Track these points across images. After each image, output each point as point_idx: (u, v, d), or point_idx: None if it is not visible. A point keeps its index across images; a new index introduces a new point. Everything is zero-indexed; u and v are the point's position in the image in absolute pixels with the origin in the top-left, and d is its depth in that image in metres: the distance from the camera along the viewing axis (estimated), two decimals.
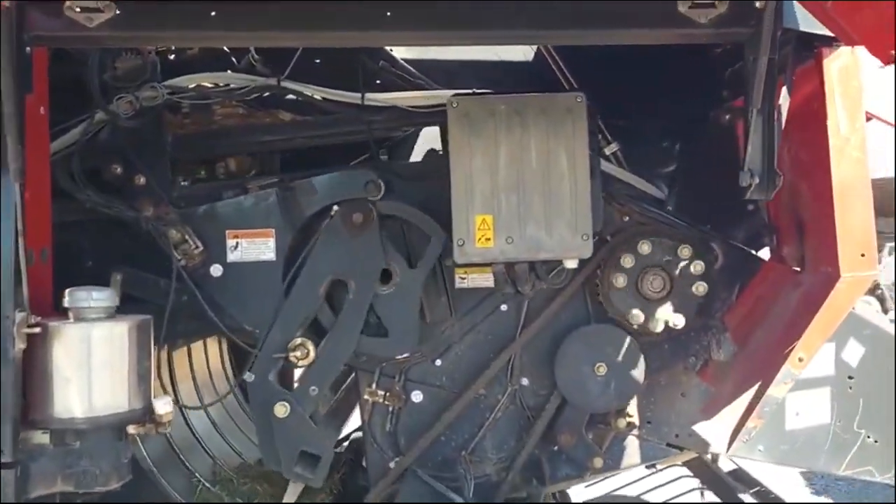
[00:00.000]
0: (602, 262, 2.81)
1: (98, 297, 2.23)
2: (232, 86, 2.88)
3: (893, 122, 2.75)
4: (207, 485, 3.34)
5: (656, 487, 3.81)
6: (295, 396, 2.75)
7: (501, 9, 2.16)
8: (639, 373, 2.79)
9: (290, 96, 2.94)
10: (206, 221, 2.78)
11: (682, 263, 2.75)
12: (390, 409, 2.89)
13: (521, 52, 3.26)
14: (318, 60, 2.98)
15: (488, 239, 2.56)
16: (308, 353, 2.73)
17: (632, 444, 2.96)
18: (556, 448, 2.90)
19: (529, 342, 2.88)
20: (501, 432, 2.92)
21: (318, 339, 2.76)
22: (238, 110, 3.00)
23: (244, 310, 2.78)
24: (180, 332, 2.85)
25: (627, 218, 2.86)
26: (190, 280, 2.72)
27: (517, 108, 2.55)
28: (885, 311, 3.22)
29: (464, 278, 2.88)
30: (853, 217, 2.32)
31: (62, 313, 2.24)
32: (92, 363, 2.17)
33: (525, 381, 2.90)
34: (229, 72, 2.90)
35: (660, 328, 2.73)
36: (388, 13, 2.11)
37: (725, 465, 3.87)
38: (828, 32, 2.19)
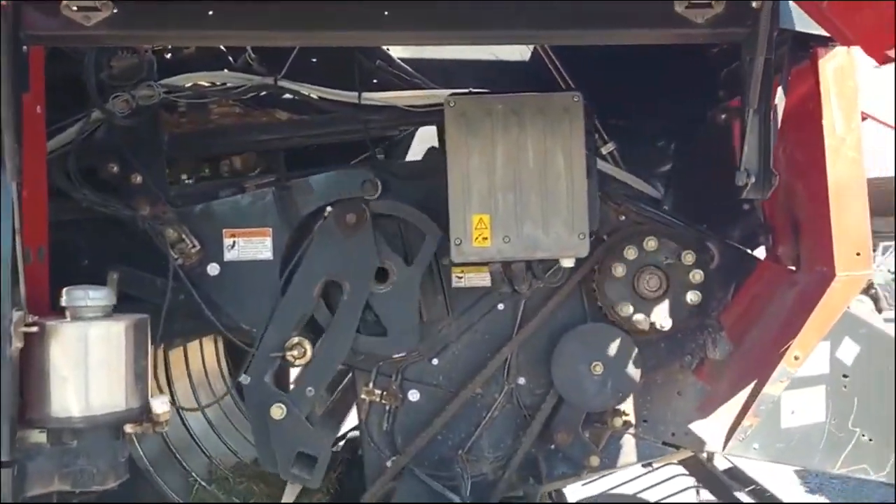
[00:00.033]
0: (598, 260, 2.81)
1: (95, 296, 2.23)
2: (228, 85, 2.87)
3: (888, 122, 2.76)
4: (204, 484, 3.34)
5: (652, 486, 3.82)
6: (291, 398, 2.75)
7: (499, 8, 2.16)
8: (635, 371, 2.79)
9: (287, 95, 2.94)
10: (203, 220, 2.77)
11: (679, 264, 2.76)
12: (387, 408, 2.89)
13: (518, 52, 3.26)
14: (314, 60, 2.98)
15: (485, 238, 2.56)
16: (305, 353, 2.73)
17: (628, 443, 2.97)
18: (552, 447, 2.90)
19: (526, 341, 2.88)
20: (498, 431, 2.92)
21: (316, 338, 2.76)
22: (234, 109, 3.01)
23: (241, 309, 2.78)
24: (177, 332, 2.86)
25: (624, 217, 2.87)
26: (187, 279, 2.72)
27: (514, 108, 2.55)
28: (880, 311, 3.23)
29: (460, 277, 2.88)
30: (848, 216, 2.33)
31: (59, 312, 2.24)
32: (89, 362, 2.16)
33: (522, 380, 2.91)
34: (226, 71, 2.89)
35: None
36: (386, 12, 2.11)
37: (721, 464, 3.88)
38: (823, 32, 2.20)
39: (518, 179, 2.55)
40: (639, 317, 2.76)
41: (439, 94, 2.72)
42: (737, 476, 3.76)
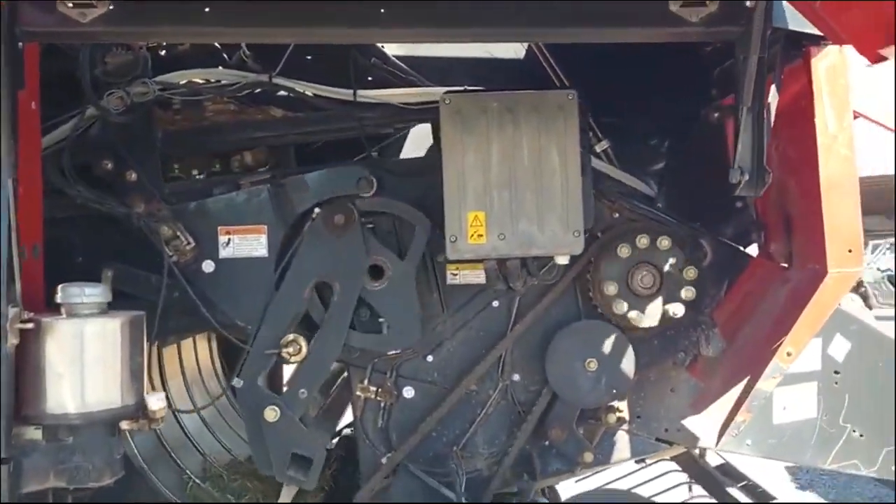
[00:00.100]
0: (593, 257, 2.82)
1: (91, 293, 2.23)
2: (223, 82, 2.87)
3: (881, 122, 2.78)
4: (198, 481, 3.34)
5: (645, 482, 3.84)
6: (284, 400, 2.76)
7: (495, 6, 2.18)
8: (629, 368, 2.81)
9: (282, 93, 2.94)
10: (198, 217, 2.77)
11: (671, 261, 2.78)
12: (382, 405, 2.90)
13: (513, 50, 3.27)
14: (309, 57, 2.98)
15: (480, 235, 2.57)
16: (300, 349, 2.74)
17: (622, 439, 2.99)
18: (546, 443, 2.92)
19: (521, 338, 2.89)
20: (493, 427, 2.93)
21: (311, 335, 2.77)
22: (229, 106, 3.00)
23: (236, 306, 2.78)
24: (172, 329, 2.85)
25: (618, 215, 2.89)
26: (182, 276, 2.72)
27: (509, 106, 2.57)
28: (870, 308, 3.26)
29: (455, 275, 2.89)
30: (840, 214, 2.34)
31: (54, 309, 2.23)
32: (85, 359, 2.16)
33: (516, 377, 2.92)
34: (220, 68, 2.89)
35: (653, 322, 2.74)
36: (383, 10, 2.11)
37: (713, 460, 3.91)
38: (816, 31, 2.22)
39: (513, 177, 2.56)
40: (633, 314, 2.77)
41: (434, 92, 2.73)
42: (729, 472, 3.79)
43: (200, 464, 3.49)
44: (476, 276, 2.87)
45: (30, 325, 2.08)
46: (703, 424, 2.77)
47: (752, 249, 3.05)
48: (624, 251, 2.77)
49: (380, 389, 2.87)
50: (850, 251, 2.34)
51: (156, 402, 2.28)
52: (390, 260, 2.77)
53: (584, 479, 3.41)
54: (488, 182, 2.56)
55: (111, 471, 2.23)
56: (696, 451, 3.68)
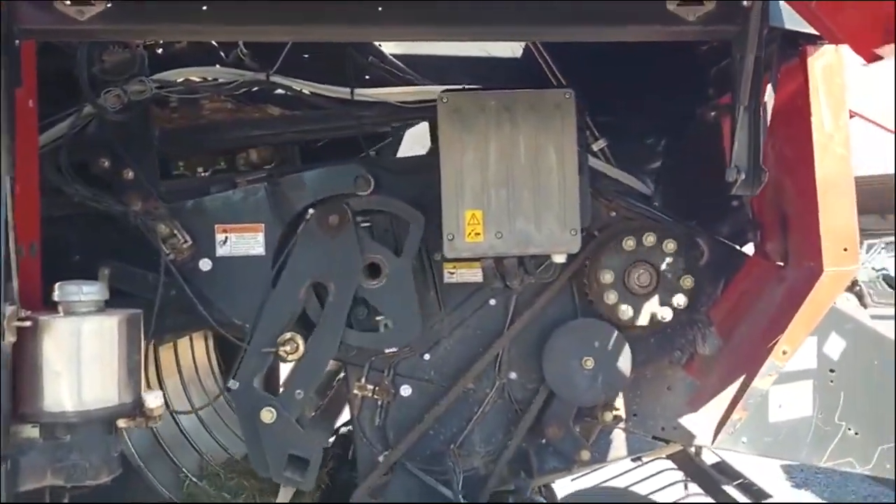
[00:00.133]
0: (590, 256, 2.83)
1: (88, 291, 2.23)
2: (220, 80, 2.86)
3: (877, 121, 2.79)
4: (194, 480, 3.34)
5: (642, 480, 3.85)
6: (280, 401, 2.76)
7: (492, 5, 2.18)
8: (625, 366, 2.82)
9: (280, 91, 2.94)
10: (195, 216, 2.77)
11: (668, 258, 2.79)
12: (379, 403, 2.90)
13: (510, 48, 3.27)
14: (306, 55, 2.98)
15: (478, 234, 2.58)
16: (297, 348, 2.74)
17: (618, 437, 2.99)
18: (543, 441, 2.92)
19: (517, 336, 2.90)
20: (489, 426, 2.94)
21: (308, 333, 2.77)
22: (227, 105, 3.00)
23: (233, 304, 2.78)
24: (169, 327, 2.84)
25: (615, 213, 2.89)
26: (179, 274, 2.71)
27: (507, 104, 2.57)
28: (865, 307, 3.27)
29: (452, 273, 2.90)
30: (836, 212, 2.35)
31: (51, 307, 2.23)
32: (82, 357, 2.16)
33: (513, 375, 2.93)
34: (218, 66, 2.89)
35: (668, 315, 2.75)
36: (380, 8, 2.12)
37: (709, 459, 3.92)
38: (813, 31, 2.23)
39: (510, 175, 2.57)
40: (629, 312, 2.78)
41: (432, 91, 2.73)
42: (725, 470, 3.80)
43: (197, 462, 3.49)
44: (473, 274, 2.88)
45: (27, 323, 2.08)
46: (700, 422, 2.79)
47: (749, 248, 3.07)
48: (629, 243, 2.77)
49: (377, 388, 2.88)
50: (845, 250, 2.35)
51: (153, 399, 2.28)
52: (387, 257, 2.78)
53: (580, 477, 3.42)
54: (486, 180, 2.57)
55: (108, 469, 2.23)
56: (692, 449, 3.69)
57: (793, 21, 2.23)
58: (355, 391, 2.89)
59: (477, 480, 2.90)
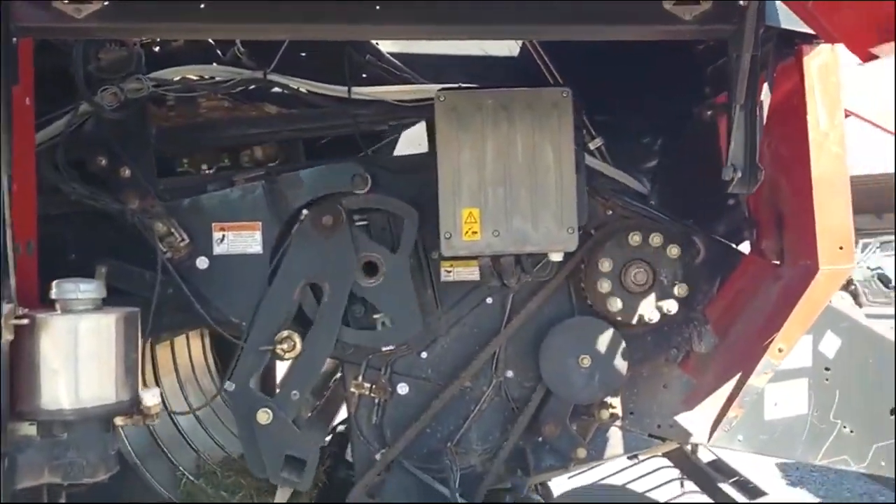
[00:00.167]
0: (586, 255, 2.84)
1: (85, 289, 2.23)
2: (217, 78, 2.86)
3: (872, 120, 2.80)
4: (191, 478, 3.34)
5: (638, 478, 3.86)
6: (276, 402, 2.76)
7: (489, 4, 2.18)
8: (622, 365, 2.82)
9: (276, 89, 2.94)
10: (192, 214, 2.77)
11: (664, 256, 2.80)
12: (376, 401, 2.90)
13: (507, 47, 3.28)
14: (303, 54, 2.98)
15: (475, 232, 2.58)
16: (295, 346, 2.74)
17: (615, 435, 3.00)
18: (540, 439, 2.93)
19: (514, 334, 2.90)
20: (486, 424, 2.94)
21: (306, 331, 2.77)
22: (223, 103, 3.00)
23: (230, 302, 2.78)
24: (166, 325, 2.84)
25: (611, 212, 2.90)
26: (176, 272, 2.71)
27: (504, 103, 2.57)
28: (860, 306, 3.28)
29: (449, 271, 2.90)
30: (832, 211, 2.36)
31: (48, 305, 2.23)
32: (79, 354, 2.16)
33: (510, 373, 2.93)
34: (215, 64, 2.88)
35: (655, 317, 2.76)
36: (378, 7, 2.12)
37: (705, 456, 3.93)
38: (808, 30, 2.24)
39: (508, 174, 2.57)
40: (626, 310, 2.78)
41: (429, 89, 2.73)
42: (720, 468, 3.81)
43: (194, 460, 3.50)
44: (470, 272, 2.88)
45: (24, 321, 2.08)
46: (696, 420, 2.79)
47: (745, 247, 3.08)
48: (617, 248, 2.78)
49: (374, 386, 2.88)
50: (841, 248, 2.36)
51: (150, 397, 2.28)
52: (383, 255, 2.78)
53: (577, 475, 3.43)
54: (483, 179, 2.57)
55: (105, 467, 2.23)
56: (688, 447, 3.70)
57: (789, 20, 2.24)
58: (352, 389, 2.89)
59: (474, 478, 2.90)
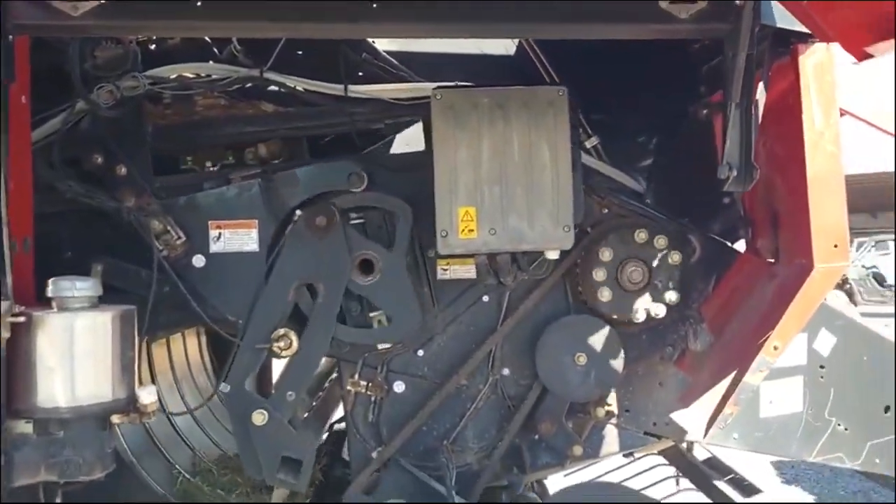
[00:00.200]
0: (582, 253, 2.84)
1: (82, 287, 2.22)
2: (214, 76, 2.86)
3: (867, 119, 2.81)
4: (187, 476, 3.34)
5: (634, 476, 3.87)
6: (272, 403, 2.76)
7: (486, 3, 2.18)
8: (618, 363, 2.83)
9: (273, 87, 2.94)
10: (189, 212, 2.77)
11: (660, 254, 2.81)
12: (373, 399, 2.91)
13: (503, 46, 3.28)
14: (300, 52, 2.98)
15: (471, 230, 2.58)
16: (291, 344, 2.74)
17: (610, 433, 3.01)
18: (536, 437, 2.94)
19: (511, 333, 2.91)
20: (483, 422, 2.95)
21: (302, 329, 2.77)
22: (220, 101, 2.99)
23: (227, 300, 2.78)
24: (162, 323, 2.84)
25: (607, 210, 2.91)
26: (172, 270, 2.71)
27: (500, 101, 2.58)
28: (855, 304, 3.30)
29: (446, 269, 2.90)
30: (827, 209, 2.37)
31: (44, 303, 2.23)
32: (75, 352, 2.15)
33: (506, 371, 2.94)
34: (211, 62, 2.88)
35: (640, 318, 2.77)
36: (374, 5, 2.12)
37: (700, 454, 3.94)
38: (804, 29, 2.25)
39: (504, 172, 2.58)
40: (618, 307, 2.79)
41: (425, 88, 2.74)
42: (716, 466, 3.82)
43: (190, 458, 3.50)
44: (466, 271, 2.89)
45: (21, 319, 2.08)
46: (691, 418, 2.80)
47: (740, 245, 3.09)
48: (613, 247, 2.78)
49: (370, 384, 2.88)
50: (836, 246, 2.37)
51: (147, 395, 2.28)
52: (379, 253, 2.78)
53: (573, 472, 3.43)
54: (479, 177, 2.57)
55: (102, 464, 2.22)
56: (684, 444, 3.71)
57: (784, 19, 2.25)
58: (349, 387, 2.90)
59: (470, 476, 2.91)
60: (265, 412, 2.72)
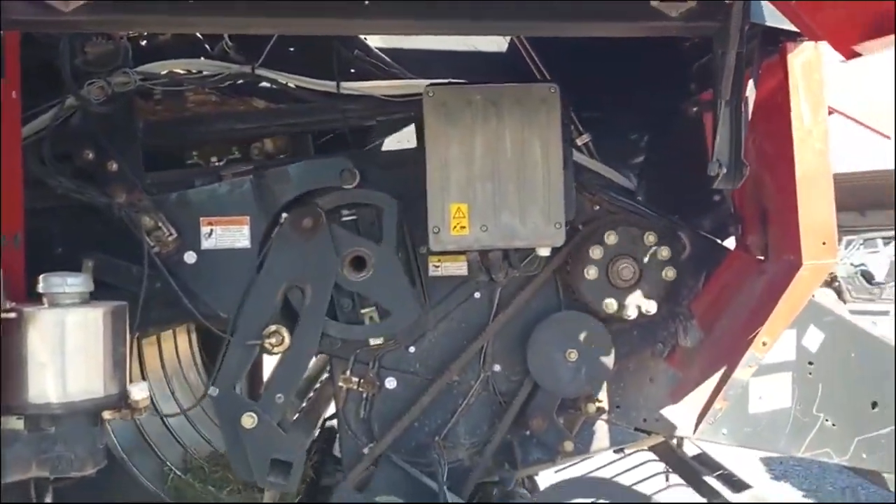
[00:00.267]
0: (573, 250, 2.86)
1: (73, 283, 2.22)
2: (205, 73, 2.85)
3: (855, 117, 2.84)
4: (178, 473, 3.34)
5: (624, 472, 3.89)
6: (261, 406, 2.76)
7: (477, 1, 2.19)
8: (608, 359, 2.84)
9: (265, 84, 2.94)
10: (180, 208, 2.76)
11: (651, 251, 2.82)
12: (364, 395, 2.91)
13: (495, 43, 3.29)
14: (292, 48, 2.98)
15: (463, 227, 2.59)
16: (283, 340, 2.74)
17: (601, 429, 3.03)
18: (527, 433, 2.94)
19: (502, 329, 2.92)
20: (474, 418, 2.96)
21: (293, 325, 2.78)
22: (211, 98, 2.99)
23: (218, 297, 2.77)
24: (154, 320, 2.83)
25: (598, 207, 2.92)
26: (163, 267, 2.71)
27: (492, 98, 2.58)
28: (844, 302, 3.33)
29: (437, 266, 2.91)
30: (815, 207, 2.39)
31: (35, 299, 2.22)
32: (66, 348, 2.15)
33: (497, 368, 2.95)
34: (202, 59, 2.88)
35: (632, 314, 2.79)
36: (367, 2, 2.12)
37: (690, 450, 3.97)
38: (793, 28, 2.27)
39: (496, 169, 2.58)
40: (612, 305, 2.81)
41: (418, 84, 2.74)
42: (705, 462, 3.85)
43: (181, 455, 3.49)
44: (458, 267, 2.89)
45: (12, 315, 2.07)
46: (681, 413, 2.83)
47: (730, 242, 3.11)
48: (604, 243, 2.80)
49: (362, 380, 2.89)
50: (824, 243, 2.39)
51: (138, 392, 2.28)
52: (369, 248, 2.79)
53: (564, 468, 3.45)
54: (471, 174, 2.58)
55: (93, 460, 2.22)
56: (674, 440, 3.74)
57: (773, 18, 2.27)
58: (340, 384, 2.90)
59: (461, 472, 2.92)
60: (254, 415, 2.71)
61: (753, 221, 2.76)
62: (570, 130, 2.84)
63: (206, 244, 2.77)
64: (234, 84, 2.90)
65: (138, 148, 2.78)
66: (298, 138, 2.99)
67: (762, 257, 2.70)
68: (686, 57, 2.88)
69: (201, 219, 2.77)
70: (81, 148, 2.68)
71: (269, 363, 3.01)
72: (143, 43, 2.88)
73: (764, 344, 2.47)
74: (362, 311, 2.83)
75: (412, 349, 2.93)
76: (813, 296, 2.76)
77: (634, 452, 3.84)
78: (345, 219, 2.82)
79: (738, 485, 3.56)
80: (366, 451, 2.90)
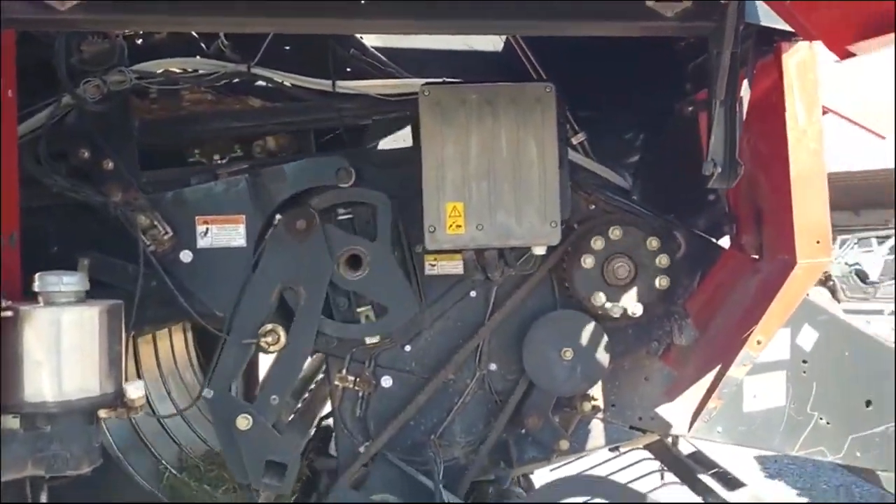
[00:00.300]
0: (569, 249, 2.86)
1: (68, 282, 2.22)
2: (201, 71, 2.86)
3: (849, 117, 2.84)
4: (174, 471, 3.34)
5: (619, 470, 3.90)
6: (256, 407, 2.76)
7: (473, 0, 2.20)
8: (604, 357, 2.85)
9: (260, 83, 2.94)
10: (176, 207, 2.76)
11: (647, 253, 2.83)
12: (360, 394, 2.92)
13: (491, 42, 3.29)
14: (287, 47, 2.98)
15: (459, 226, 2.60)
16: (279, 339, 2.74)
17: (596, 427, 3.03)
18: (523, 431, 2.95)
19: (498, 328, 2.92)
20: (470, 416, 2.96)
21: (289, 323, 2.78)
22: (207, 96, 2.99)
23: (214, 296, 2.77)
24: (149, 318, 2.83)
25: (594, 206, 2.93)
26: (159, 266, 2.71)
27: (488, 98, 2.59)
28: (838, 301, 3.35)
29: (433, 265, 2.91)
30: (809, 206, 2.40)
31: (31, 298, 2.22)
32: (62, 347, 2.16)
33: (493, 366, 2.95)
34: (198, 57, 2.88)
35: (616, 314, 2.80)
36: (363, 1, 2.13)
37: (685, 449, 3.98)
38: (787, 28, 2.27)
39: (491, 168, 2.59)
40: (608, 304, 2.81)
41: (413, 83, 2.75)
42: (700, 460, 3.85)
43: (177, 454, 3.49)
44: (454, 266, 2.90)
45: (8, 313, 2.07)
46: (676, 412, 2.84)
47: (725, 241, 3.12)
48: (598, 243, 2.81)
49: (358, 379, 2.89)
50: (818, 242, 2.40)
51: (134, 390, 2.28)
52: (365, 246, 2.79)
53: (559, 467, 3.46)
54: (467, 173, 2.59)
55: (89, 459, 2.23)
56: (669, 439, 3.75)
57: (768, 18, 2.28)
58: (336, 383, 2.90)
59: (457, 470, 2.92)
60: (249, 416, 2.72)
61: (748, 221, 2.77)
62: (566, 129, 2.85)
63: (202, 243, 2.77)
64: (229, 83, 2.90)
65: (134, 147, 2.78)
66: (300, 136, 2.99)
67: (757, 256, 2.72)
68: (681, 57, 2.89)
69: (197, 217, 2.77)
70: (77, 146, 2.69)
71: (264, 364, 3.01)
72: (139, 42, 2.88)
73: (758, 343, 2.49)
74: (358, 309, 2.84)
75: (408, 348, 2.94)
76: (807, 295, 2.77)
77: (629, 451, 3.85)
78: (341, 217, 2.83)
79: (732, 483, 3.56)
80: (362, 449, 2.91)
